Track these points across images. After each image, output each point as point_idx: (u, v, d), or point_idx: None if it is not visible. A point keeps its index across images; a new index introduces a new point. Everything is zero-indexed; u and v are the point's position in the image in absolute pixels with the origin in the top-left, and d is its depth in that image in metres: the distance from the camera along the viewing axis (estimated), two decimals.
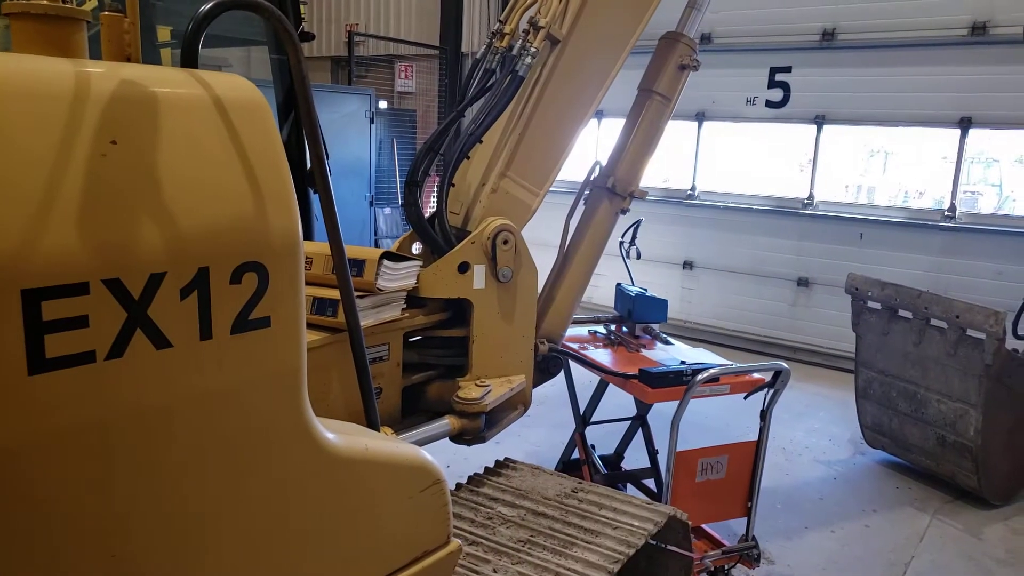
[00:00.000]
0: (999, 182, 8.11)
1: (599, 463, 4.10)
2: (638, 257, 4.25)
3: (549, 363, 3.17)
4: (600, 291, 6.25)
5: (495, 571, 2.09)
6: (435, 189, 2.76)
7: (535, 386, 3.04)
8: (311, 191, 2.76)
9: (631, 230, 4.26)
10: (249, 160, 1.24)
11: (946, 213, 6.93)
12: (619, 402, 4.07)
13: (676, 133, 8.07)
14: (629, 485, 4.06)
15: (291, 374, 1.34)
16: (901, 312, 4.81)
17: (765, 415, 3.39)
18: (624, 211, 3.34)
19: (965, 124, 6.73)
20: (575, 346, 3.70)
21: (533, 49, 2.71)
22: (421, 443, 2.38)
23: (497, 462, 2.77)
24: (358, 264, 2.31)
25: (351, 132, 8.80)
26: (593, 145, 8.51)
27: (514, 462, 2.77)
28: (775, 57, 7.62)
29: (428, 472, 1.68)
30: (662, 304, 3.97)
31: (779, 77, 7.64)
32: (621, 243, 4.25)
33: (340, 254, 1.64)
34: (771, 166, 8.31)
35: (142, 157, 1.11)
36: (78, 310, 1.02)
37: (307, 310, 2.03)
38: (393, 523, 1.62)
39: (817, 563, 3.99)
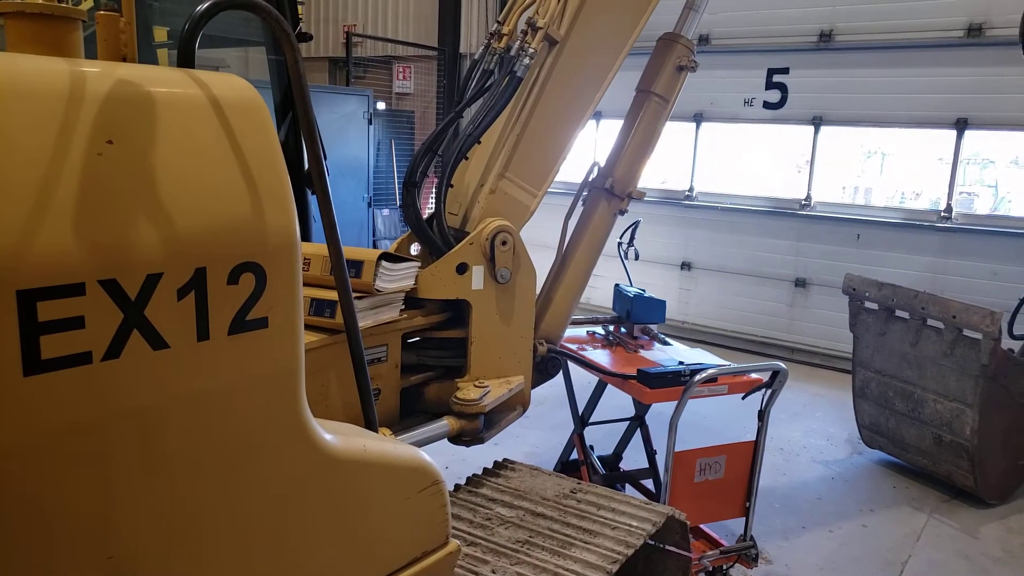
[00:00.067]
0: (995, 183, 8.12)
1: (598, 464, 4.10)
2: (636, 258, 4.26)
3: (548, 364, 3.17)
4: (598, 292, 6.27)
5: (494, 572, 2.09)
6: (433, 190, 2.76)
7: (534, 387, 3.04)
8: (309, 192, 2.75)
9: (629, 231, 4.27)
10: (246, 160, 1.23)
11: (942, 214, 6.95)
12: (617, 403, 4.07)
13: (674, 134, 8.08)
14: (627, 485, 4.06)
15: (289, 375, 1.33)
16: (898, 312, 4.82)
17: (763, 415, 3.40)
18: (622, 212, 3.34)
19: (961, 125, 6.75)
20: (573, 347, 3.70)
21: (531, 50, 2.71)
22: (420, 444, 2.37)
23: (496, 463, 2.76)
24: (356, 265, 2.31)
25: (349, 133, 8.79)
26: (591, 146, 8.52)
27: (513, 463, 2.76)
28: (773, 58, 7.63)
29: (426, 473, 1.68)
30: (660, 305, 3.97)
31: (777, 78, 7.65)
32: (619, 244, 4.25)
33: (338, 255, 1.64)
34: (769, 167, 8.32)
35: (138, 157, 1.11)
36: (74, 311, 1.02)
37: (305, 311, 2.02)
38: (392, 524, 1.61)
39: (815, 563, 3.99)
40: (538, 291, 3.05)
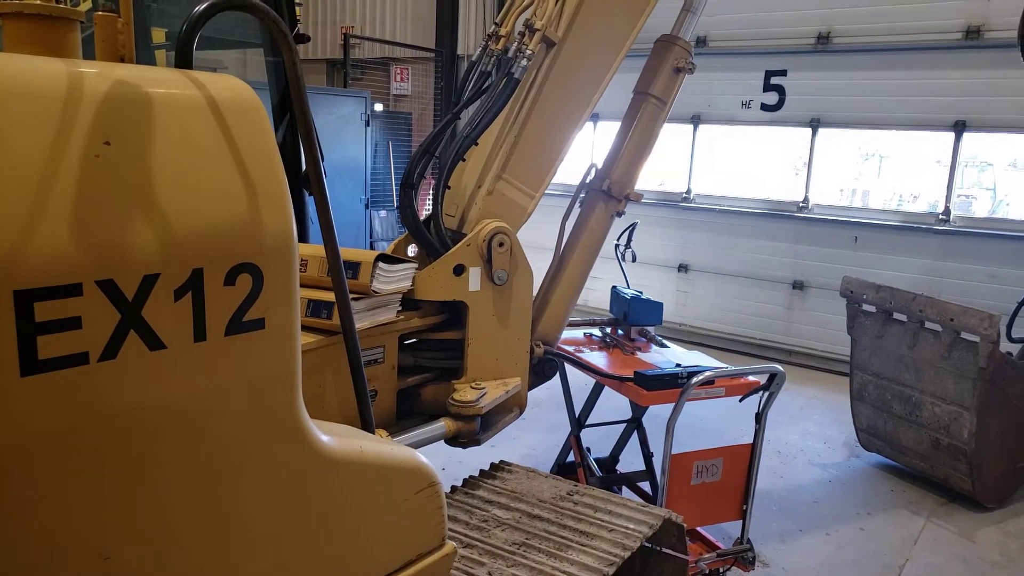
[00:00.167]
0: (993, 186, 8.13)
1: (594, 466, 4.10)
2: (633, 260, 4.26)
3: (544, 366, 3.17)
4: (595, 294, 6.27)
5: (490, 574, 2.09)
6: (431, 191, 2.76)
7: (530, 389, 3.04)
8: (306, 193, 2.75)
9: (626, 233, 4.27)
10: (244, 161, 1.24)
11: (940, 216, 6.96)
12: (614, 405, 4.07)
13: (671, 136, 8.08)
14: (624, 488, 4.06)
15: (285, 376, 1.33)
16: (896, 315, 4.82)
17: (760, 418, 3.40)
18: (620, 214, 3.34)
19: (959, 128, 6.76)
20: (570, 349, 3.70)
21: (529, 51, 2.71)
22: (416, 446, 2.37)
23: (492, 465, 2.76)
24: (353, 266, 2.31)
25: (347, 134, 8.80)
26: (589, 147, 8.53)
27: (509, 465, 2.76)
28: (770, 60, 7.64)
29: (423, 474, 1.68)
30: (657, 307, 3.97)
31: (774, 80, 7.66)
32: (617, 246, 4.25)
33: (335, 256, 1.64)
34: (766, 169, 8.32)
35: (136, 158, 1.11)
36: (71, 311, 1.02)
37: (302, 312, 2.02)
38: (388, 526, 1.61)
39: (812, 566, 3.99)
40: (535, 293, 3.05)
